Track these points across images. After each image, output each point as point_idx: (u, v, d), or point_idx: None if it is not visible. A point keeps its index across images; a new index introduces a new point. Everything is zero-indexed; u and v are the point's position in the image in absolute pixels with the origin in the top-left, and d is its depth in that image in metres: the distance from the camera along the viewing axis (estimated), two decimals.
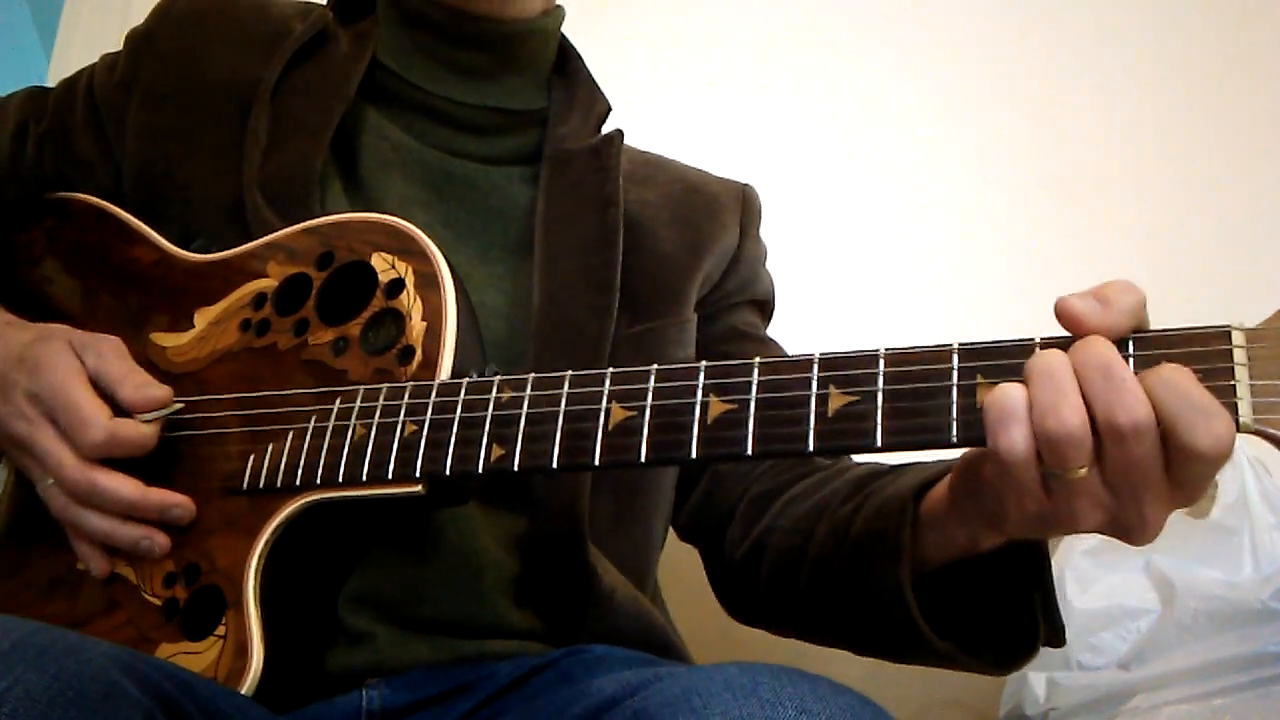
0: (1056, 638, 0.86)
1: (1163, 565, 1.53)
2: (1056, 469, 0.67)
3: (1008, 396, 0.67)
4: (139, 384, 0.93)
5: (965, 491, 0.80)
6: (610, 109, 1.17)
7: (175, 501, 0.91)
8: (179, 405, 0.94)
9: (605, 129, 1.15)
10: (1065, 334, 0.70)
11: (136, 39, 1.15)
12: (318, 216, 1.00)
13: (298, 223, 0.99)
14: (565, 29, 1.18)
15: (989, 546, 0.82)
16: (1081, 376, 0.66)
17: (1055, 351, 0.68)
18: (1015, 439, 0.67)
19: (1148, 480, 0.67)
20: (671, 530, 1.16)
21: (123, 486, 0.90)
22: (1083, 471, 0.67)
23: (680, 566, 1.17)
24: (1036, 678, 1.50)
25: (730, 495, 1.08)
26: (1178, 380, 0.65)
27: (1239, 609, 1.45)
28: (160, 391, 0.93)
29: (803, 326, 1.30)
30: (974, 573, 0.86)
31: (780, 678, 0.70)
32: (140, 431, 0.91)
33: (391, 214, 0.99)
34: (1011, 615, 0.86)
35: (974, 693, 1.59)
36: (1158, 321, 0.75)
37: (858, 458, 1.05)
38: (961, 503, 0.81)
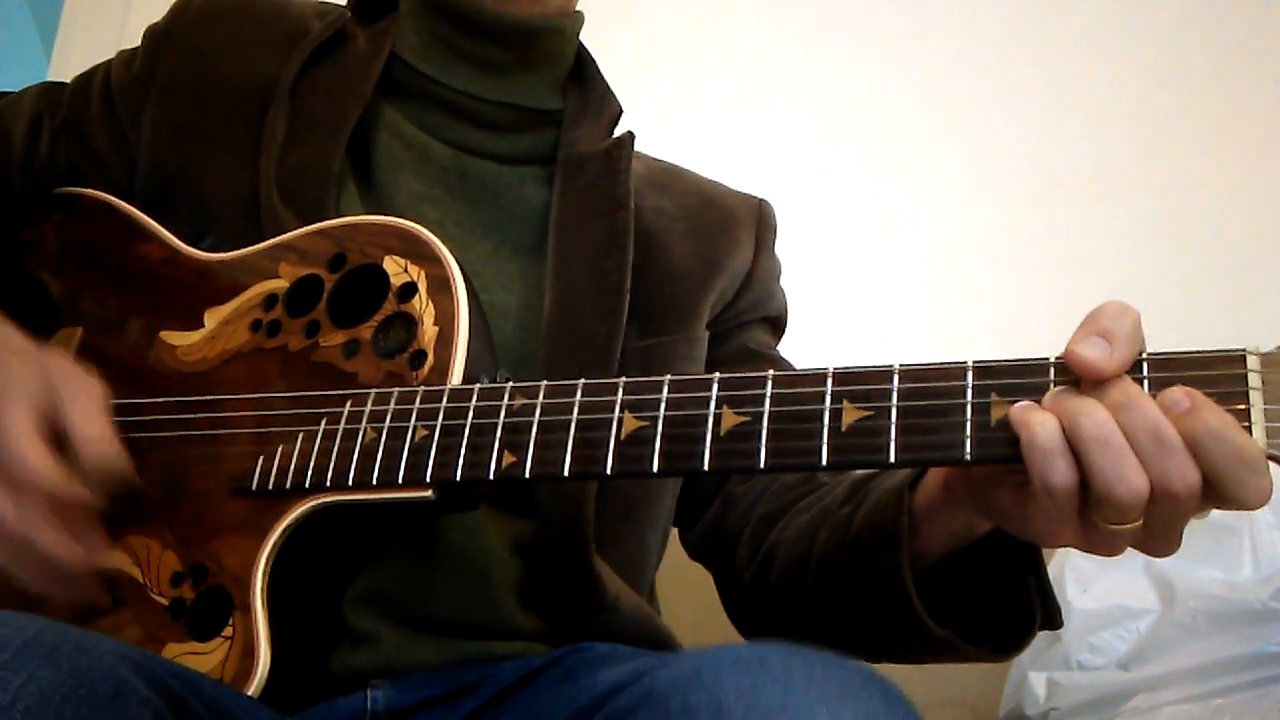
0: (1053, 620, 0.87)
1: (1163, 565, 1.53)
2: (1117, 524, 0.68)
3: (1046, 432, 0.68)
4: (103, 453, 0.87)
5: (963, 490, 0.81)
6: (621, 111, 1.16)
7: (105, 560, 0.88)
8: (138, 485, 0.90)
9: (617, 132, 1.15)
10: None
11: (155, 36, 1.15)
12: (332, 215, 1.00)
13: (312, 221, 0.99)
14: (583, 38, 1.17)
15: (983, 532, 0.83)
16: (1132, 439, 0.67)
17: (1100, 411, 0.68)
18: (1061, 472, 0.68)
19: (1184, 520, 0.69)
20: (674, 538, 1.16)
21: (57, 546, 0.83)
22: (1139, 524, 0.68)
23: (682, 569, 1.17)
24: (1036, 678, 1.51)
25: (739, 517, 1.08)
26: (1228, 435, 0.65)
27: (1239, 609, 1.46)
28: (121, 464, 0.87)
29: (813, 339, 1.30)
30: (970, 560, 0.87)
31: (789, 653, 0.70)
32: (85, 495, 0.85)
33: (403, 212, 0.98)
34: (1007, 601, 0.87)
35: (974, 693, 1.60)
36: (1162, 325, 0.75)
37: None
38: (958, 495, 0.81)
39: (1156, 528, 0.69)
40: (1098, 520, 0.69)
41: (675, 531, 1.16)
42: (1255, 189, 1.95)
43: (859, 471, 1.01)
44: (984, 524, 0.82)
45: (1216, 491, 0.66)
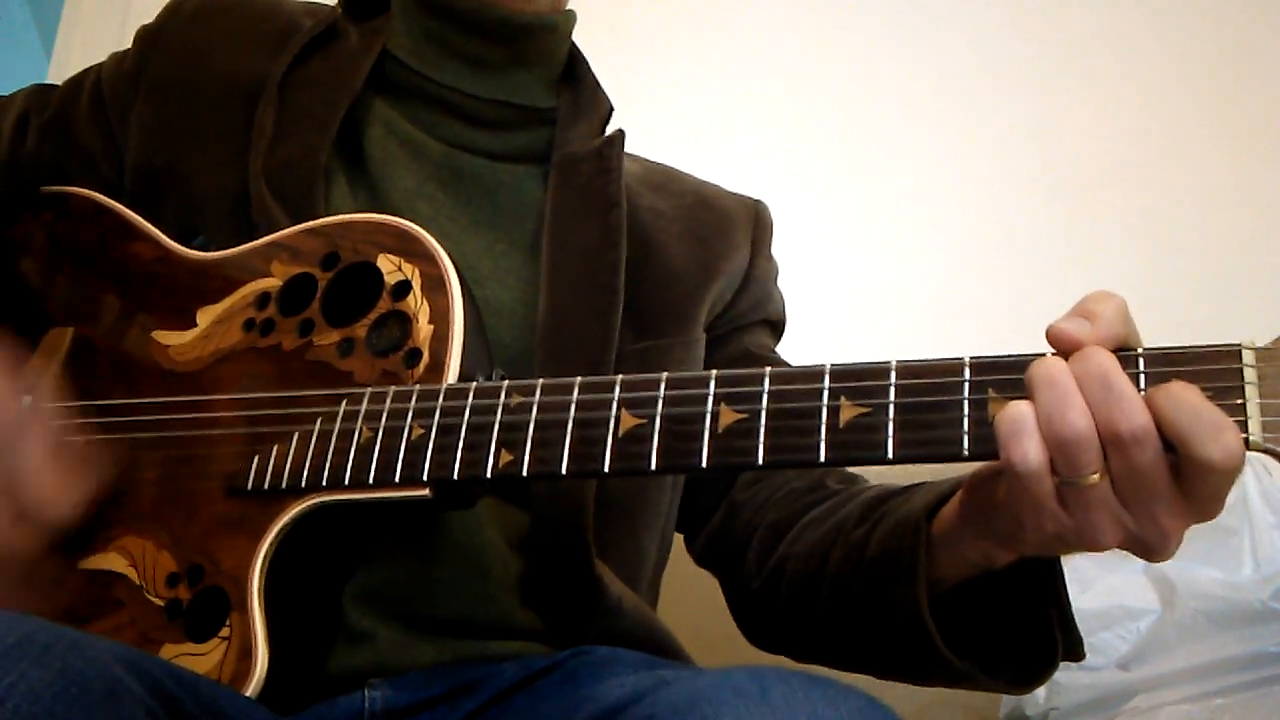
0: (1074, 652, 0.86)
1: (1163, 565, 1.53)
2: (1070, 476, 0.68)
3: (1016, 410, 0.68)
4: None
5: (976, 511, 0.80)
6: (612, 109, 1.16)
7: None
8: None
9: (609, 130, 1.14)
10: None
11: (147, 35, 1.15)
12: (321, 210, 1.00)
13: (302, 216, 0.98)
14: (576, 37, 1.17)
15: (1003, 563, 0.82)
16: (1082, 385, 0.67)
17: (1055, 359, 0.69)
18: (1027, 450, 0.68)
19: (1157, 491, 0.68)
20: (677, 543, 1.15)
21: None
22: (1095, 478, 0.67)
23: (683, 574, 1.17)
24: None
25: (746, 524, 1.07)
26: (1185, 396, 0.66)
27: (1239, 609, 1.46)
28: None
29: (810, 339, 1.30)
30: (990, 590, 0.86)
31: (790, 682, 0.70)
32: None
33: (396, 208, 0.97)
34: (1028, 632, 0.86)
35: (974, 693, 1.59)
36: (1160, 323, 0.75)
37: (869, 474, 1.05)
38: (973, 522, 0.81)
39: (1131, 500, 0.68)
40: (1059, 478, 0.68)
41: (677, 536, 1.16)
42: (1256, 187, 1.95)
43: (875, 488, 1.00)
44: (1002, 555, 0.81)
45: (1183, 455, 0.66)
